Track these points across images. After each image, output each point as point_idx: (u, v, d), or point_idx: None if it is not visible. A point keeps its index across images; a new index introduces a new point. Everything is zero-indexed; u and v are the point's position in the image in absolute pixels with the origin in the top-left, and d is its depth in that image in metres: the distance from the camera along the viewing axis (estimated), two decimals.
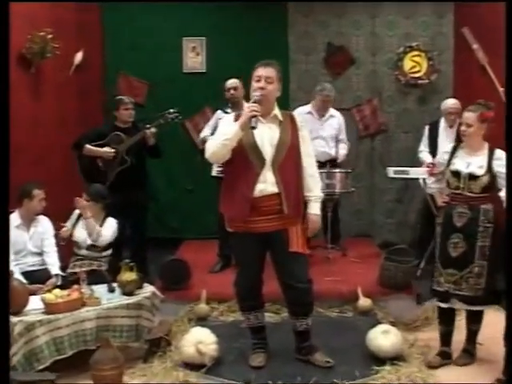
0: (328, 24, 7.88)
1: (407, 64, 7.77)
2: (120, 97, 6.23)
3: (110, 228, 5.32)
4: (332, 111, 6.78)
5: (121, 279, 4.70)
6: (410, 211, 7.84)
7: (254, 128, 3.97)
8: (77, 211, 5.39)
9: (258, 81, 4.10)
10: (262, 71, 4.12)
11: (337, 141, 6.80)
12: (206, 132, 6.42)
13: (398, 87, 7.88)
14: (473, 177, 4.32)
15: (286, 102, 7.50)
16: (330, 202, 6.36)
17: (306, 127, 4.37)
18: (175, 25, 7.87)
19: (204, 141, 6.34)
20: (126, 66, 7.92)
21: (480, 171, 4.31)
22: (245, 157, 4.08)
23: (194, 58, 7.95)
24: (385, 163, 7.62)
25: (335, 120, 6.77)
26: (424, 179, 4.80)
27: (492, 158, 4.34)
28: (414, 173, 6.25)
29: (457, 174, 4.37)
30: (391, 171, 6.51)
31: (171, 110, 6.03)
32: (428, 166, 4.80)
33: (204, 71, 7.95)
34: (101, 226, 5.29)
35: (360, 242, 7.58)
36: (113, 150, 5.87)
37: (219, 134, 4.11)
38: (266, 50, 7.64)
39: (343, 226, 7.31)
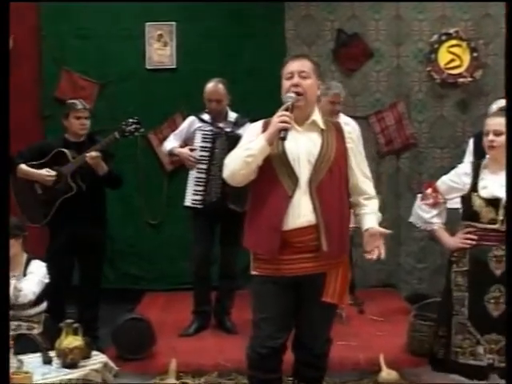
0: (337, 5, 7.92)
1: (443, 57, 7.81)
2: (71, 101, 6.17)
3: (34, 277, 5.27)
4: (344, 118, 6.75)
5: (61, 346, 4.62)
6: (447, 252, 7.80)
7: (283, 139, 3.94)
8: None
9: (291, 77, 4.10)
10: (293, 65, 4.12)
11: None
12: (171, 142, 6.40)
13: (431, 88, 7.91)
14: None
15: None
16: None
17: (356, 139, 4.35)
18: (136, 6, 7.87)
19: (171, 153, 6.37)
20: (69, 60, 7.91)
21: None
22: (273, 175, 4.05)
23: (160, 49, 7.96)
24: (414, 188, 7.61)
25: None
26: (418, 212, 4.75)
27: None
28: (454, 201, 6.22)
29: (492, 202, 4.34)
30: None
31: (130, 120, 5.95)
32: (425, 194, 4.71)
33: (174, 67, 7.96)
34: (24, 272, 5.25)
35: (382, 294, 7.59)
36: (53, 173, 5.80)
37: (241, 149, 4.10)
38: (256, 39, 7.69)
39: (359, 272, 7.28)
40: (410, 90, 7.92)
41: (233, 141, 6.03)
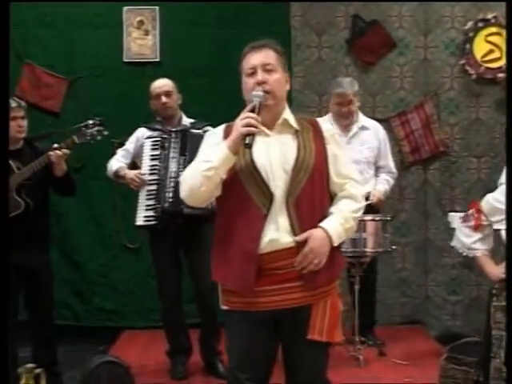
0: None
1: (480, 48, 7.83)
2: None
3: None
4: (363, 120, 6.75)
5: None
6: (485, 282, 7.79)
7: (248, 146, 3.88)
8: None
9: (253, 73, 4.02)
10: (254, 58, 4.02)
11: (376, 168, 6.87)
12: (118, 161, 6.38)
13: (465, 84, 7.92)
14: None
15: None
16: (357, 268, 6.31)
17: (336, 137, 4.29)
18: None
19: (117, 174, 6.33)
20: (32, 52, 7.94)
21: None
22: (242, 191, 3.96)
23: (140, 38, 7.98)
24: (445, 205, 7.61)
25: (370, 134, 6.74)
26: (459, 235, 4.75)
27: None
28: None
29: None
30: (456, 218, 6.47)
31: (90, 122, 5.91)
32: (467, 215, 4.70)
33: (157, 60, 7.97)
34: None
35: (407, 333, 7.58)
36: None
37: (199, 161, 4.03)
38: (256, 27, 7.68)
39: (380, 305, 7.26)
40: (439, 87, 7.92)
41: (190, 139, 6.02)
